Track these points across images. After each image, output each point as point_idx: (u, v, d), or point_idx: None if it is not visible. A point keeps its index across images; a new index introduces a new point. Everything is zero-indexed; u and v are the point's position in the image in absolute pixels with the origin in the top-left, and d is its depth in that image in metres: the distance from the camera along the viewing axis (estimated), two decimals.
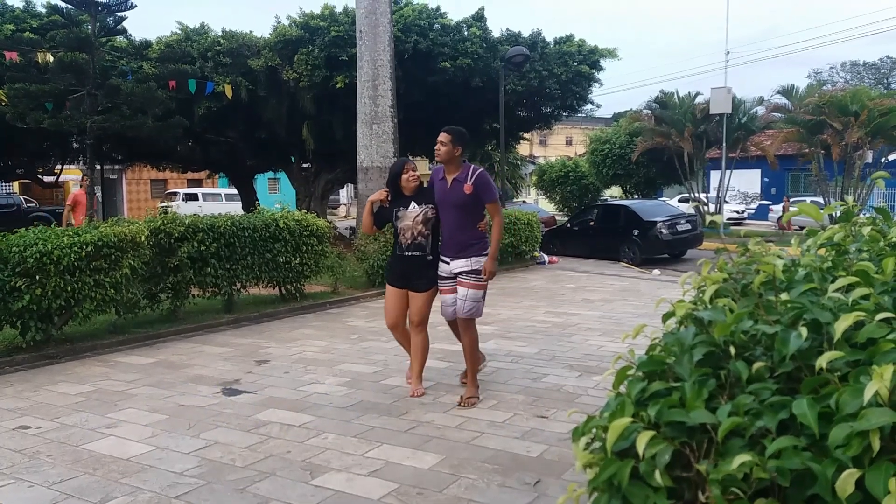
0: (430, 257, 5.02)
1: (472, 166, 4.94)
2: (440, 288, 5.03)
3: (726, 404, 1.20)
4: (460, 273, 4.88)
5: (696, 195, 24.15)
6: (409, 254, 5.02)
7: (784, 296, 1.48)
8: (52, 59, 13.10)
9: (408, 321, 5.18)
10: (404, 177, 5.05)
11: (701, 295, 1.72)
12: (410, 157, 4.47)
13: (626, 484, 1.18)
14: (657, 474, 1.15)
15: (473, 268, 4.87)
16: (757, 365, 1.27)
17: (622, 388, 1.42)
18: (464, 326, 4.98)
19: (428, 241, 5.00)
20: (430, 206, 4.97)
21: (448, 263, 4.94)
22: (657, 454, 1.16)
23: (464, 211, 4.86)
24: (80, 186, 13.66)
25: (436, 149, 4.91)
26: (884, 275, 1.51)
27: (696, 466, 1.16)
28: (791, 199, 28.13)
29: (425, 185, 5.11)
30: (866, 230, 2.02)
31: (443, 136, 4.86)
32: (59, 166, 22.32)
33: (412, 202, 4.99)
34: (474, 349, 5.06)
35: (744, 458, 1.07)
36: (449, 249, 4.95)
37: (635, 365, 1.44)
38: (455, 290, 4.93)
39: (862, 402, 1.07)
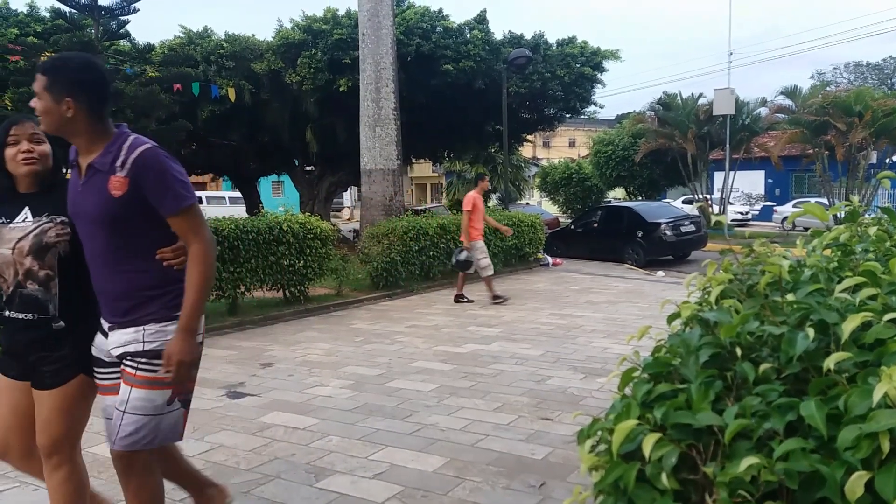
0: (61, 325, 2.53)
1: (132, 138, 2.38)
2: (98, 382, 2.55)
3: (733, 406, 1.19)
4: (125, 356, 2.40)
5: (701, 196, 24.12)
6: (14, 315, 2.55)
7: (790, 296, 1.47)
8: None
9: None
10: (8, 151, 2.55)
11: (706, 296, 1.72)
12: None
13: (633, 487, 1.18)
14: (663, 477, 1.14)
15: (147, 346, 2.39)
16: (763, 366, 1.26)
17: (628, 391, 1.41)
18: (123, 467, 2.46)
19: (51, 291, 2.52)
20: (58, 218, 2.54)
21: (106, 336, 2.48)
22: (663, 457, 1.15)
23: (117, 230, 2.36)
24: (478, 184, 10.47)
25: (33, 104, 2.38)
26: (891, 275, 1.50)
27: (702, 469, 1.15)
28: (796, 202, 28.06)
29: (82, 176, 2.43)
30: (872, 230, 2.01)
31: (37, 82, 2.33)
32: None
33: (24, 207, 2.57)
34: None
35: (751, 460, 1.06)
36: (104, 308, 2.49)
37: (641, 367, 1.43)
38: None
39: (871, 403, 1.06)
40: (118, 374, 2.45)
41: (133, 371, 2.38)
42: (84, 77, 2.35)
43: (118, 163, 2.33)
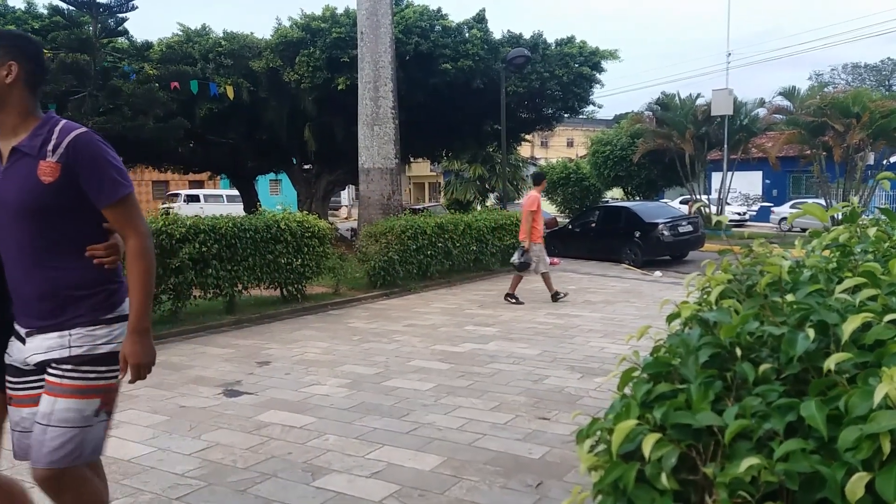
0: None
1: (63, 122, 2.19)
2: (10, 393, 2.28)
3: (733, 406, 1.19)
4: (48, 363, 2.17)
5: (697, 197, 24.13)
6: None
7: (790, 297, 1.47)
8: (53, 60, 13.12)
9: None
10: None
11: (706, 296, 1.71)
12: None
13: (632, 487, 1.17)
14: (663, 477, 1.14)
15: (74, 352, 2.17)
16: (763, 366, 1.26)
17: (627, 390, 1.41)
18: (52, 487, 2.21)
19: None
20: None
21: (23, 342, 2.23)
22: (663, 457, 1.15)
23: (43, 222, 2.15)
24: (540, 182, 10.08)
25: None
26: (891, 276, 1.50)
27: (702, 469, 1.14)
28: (794, 203, 28.11)
29: None
30: (872, 231, 2.01)
31: None
32: None
33: None
34: None
35: (751, 461, 1.06)
36: (21, 311, 2.24)
37: (640, 367, 1.43)
38: (37, 402, 2.20)
39: (871, 404, 1.05)
40: (36, 384, 2.21)
41: (58, 380, 2.14)
42: (29, 46, 2.22)
43: (49, 147, 2.12)
